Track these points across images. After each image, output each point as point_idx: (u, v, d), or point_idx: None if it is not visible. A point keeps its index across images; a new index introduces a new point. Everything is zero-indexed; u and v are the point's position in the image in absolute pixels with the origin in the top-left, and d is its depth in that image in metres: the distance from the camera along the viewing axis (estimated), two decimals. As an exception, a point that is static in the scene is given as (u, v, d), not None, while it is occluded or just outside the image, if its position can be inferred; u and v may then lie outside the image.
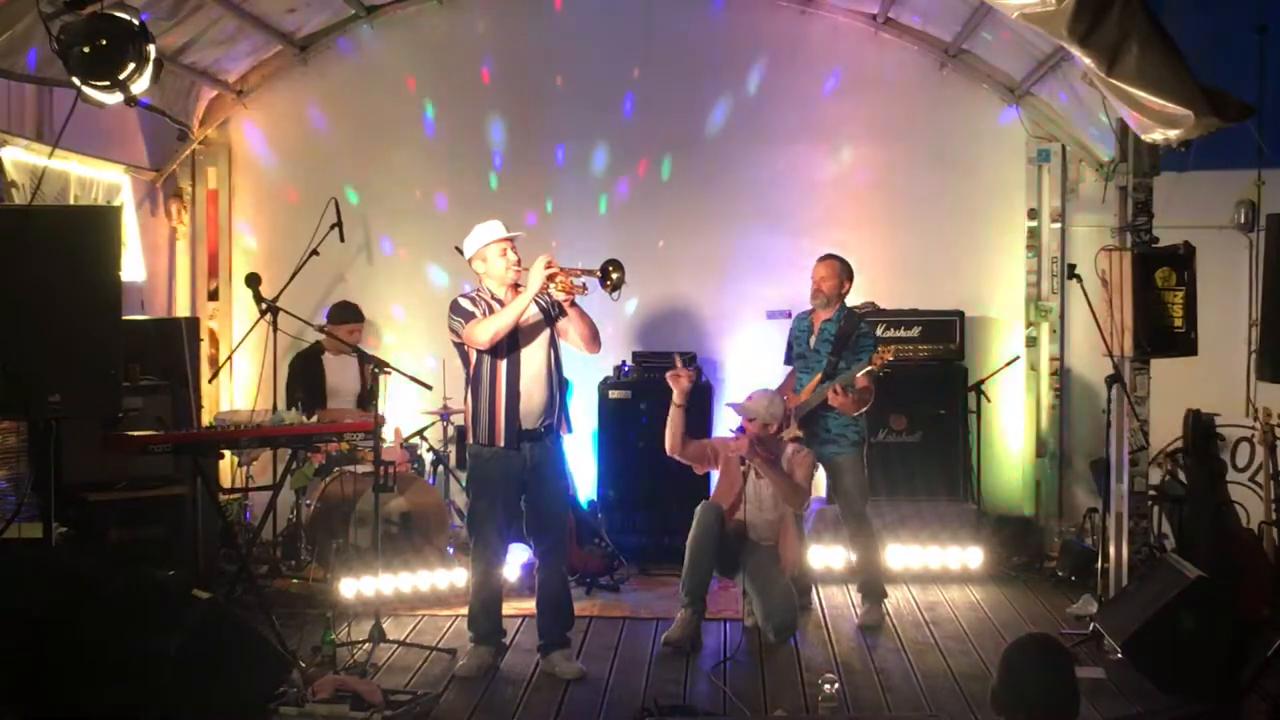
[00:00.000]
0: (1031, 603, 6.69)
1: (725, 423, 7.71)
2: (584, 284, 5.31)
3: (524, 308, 5.29)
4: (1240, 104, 4.96)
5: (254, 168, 8.17)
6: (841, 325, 6.33)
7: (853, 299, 7.13)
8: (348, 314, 7.37)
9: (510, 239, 5.45)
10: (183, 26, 6.70)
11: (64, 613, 4.10)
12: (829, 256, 6.43)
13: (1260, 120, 5.37)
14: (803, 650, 5.85)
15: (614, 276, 5.28)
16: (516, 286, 5.42)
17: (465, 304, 5.41)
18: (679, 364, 6.00)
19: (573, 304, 5.36)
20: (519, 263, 5.43)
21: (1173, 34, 4.83)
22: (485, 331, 5.28)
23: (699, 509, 5.98)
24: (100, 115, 6.06)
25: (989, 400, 7.50)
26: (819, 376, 6.29)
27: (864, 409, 6.21)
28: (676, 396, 5.93)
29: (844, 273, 6.40)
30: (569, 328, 5.49)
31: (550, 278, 5.22)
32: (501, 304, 5.40)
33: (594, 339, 5.50)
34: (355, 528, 6.51)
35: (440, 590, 6.55)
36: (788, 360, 6.65)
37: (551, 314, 5.49)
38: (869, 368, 6.09)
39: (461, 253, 5.63)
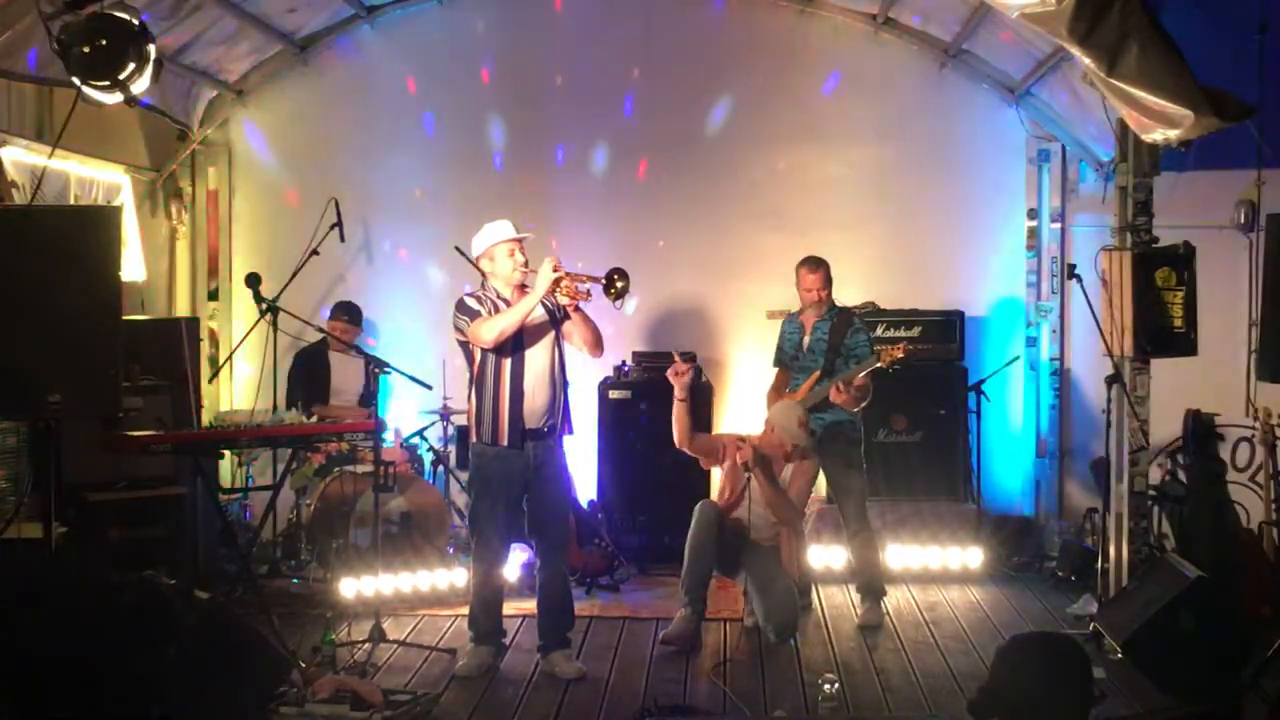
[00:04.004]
0: (1031, 603, 6.69)
1: (727, 423, 7.72)
2: (588, 290, 5.31)
3: (530, 309, 5.29)
4: (1240, 104, 4.96)
5: (254, 168, 8.17)
6: (834, 324, 6.33)
7: (853, 299, 7.15)
8: (337, 311, 7.43)
9: (519, 240, 5.46)
10: (183, 26, 6.69)
11: (70, 618, 4.09)
12: (816, 263, 6.39)
13: (1260, 120, 5.36)
14: (803, 650, 5.85)
15: (618, 285, 5.27)
16: (522, 287, 5.42)
17: (471, 302, 5.41)
18: (678, 359, 5.98)
19: (576, 308, 5.36)
20: (526, 264, 5.43)
21: (1173, 34, 4.83)
22: (491, 330, 5.28)
23: (697, 508, 5.98)
24: (100, 115, 6.06)
25: (989, 400, 7.49)
26: (816, 375, 6.29)
27: (864, 404, 6.23)
28: (678, 391, 5.91)
29: (830, 273, 6.40)
30: (573, 331, 5.49)
31: (556, 282, 5.22)
32: (507, 304, 5.40)
33: (597, 344, 5.51)
34: (355, 528, 6.51)
35: (440, 590, 6.55)
36: (776, 363, 6.65)
37: (557, 315, 5.49)
38: (878, 365, 6.09)
39: (462, 252, 5.63)
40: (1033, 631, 3.18)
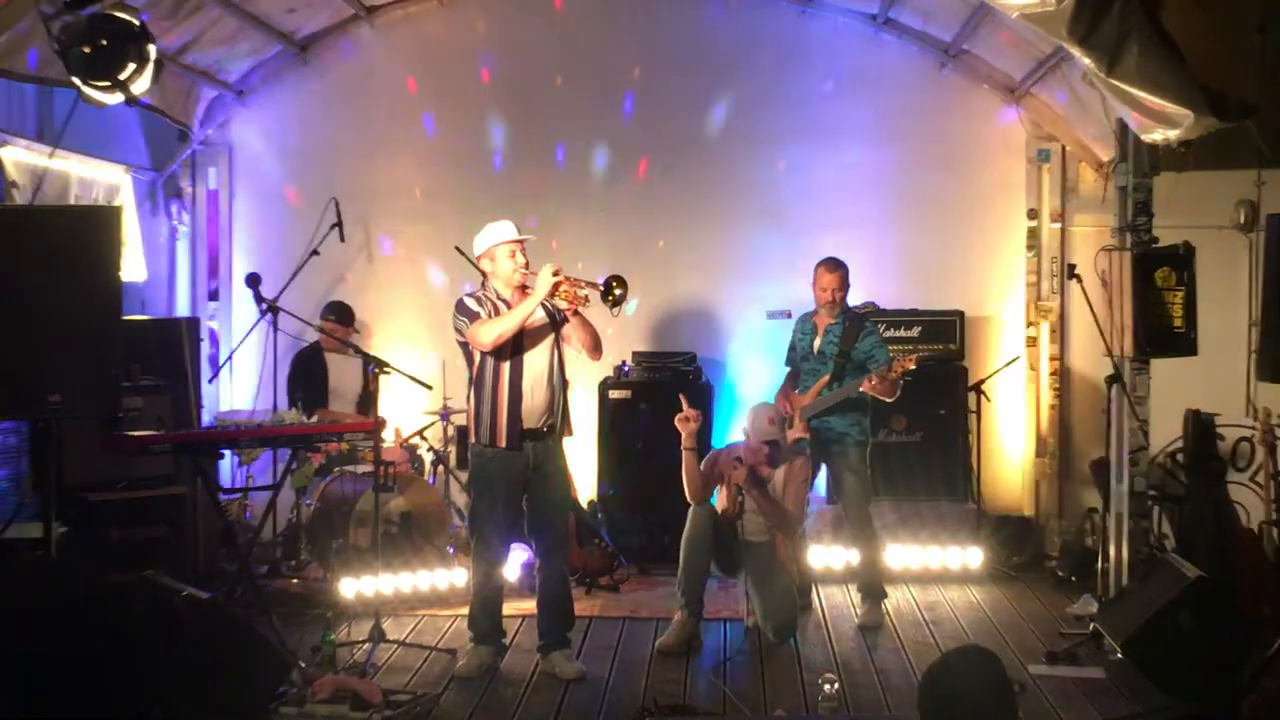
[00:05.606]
0: (1031, 603, 6.68)
1: (726, 423, 7.72)
2: (586, 296, 5.33)
3: (529, 313, 5.30)
4: (1240, 104, 4.96)
5: (254, 168, 8.17)
6: (846, 328, 6.33)
7: (853, 299, 7.15)
8: (326, 311, 7.45)
9: (520, 241, 5.46)
10: (183, 26, 6.70)
11: (73, 619, 4.10)
12: (836, 264, 6.39)
13: (1260, 120, 5.35)
14: (803, 650, 5.85)
15: (616, 293, 5.29)
16: (523, 288, 5.43)
17: (470, 303, 5.41)
18: (685, 405, 5.92)
19: (575, 313, 5.37)
20: (527, 265, 5.44)
21: (1173, 34, 4.83)
22: (490, 333, 5.29)
23: (691, 511, 5.98)
24: (100, 115, 6.06)
25: (989, 400, 7.49)
26: (826, 378, 6.28)
27: (897, 393, 6.19)
28: (686, 440, 5.87)
29: (848, 276, 6.41)
30: (572, 334, 5.49)
31: (555, 286, 5.23)
32: (507, 304, 5.41)
33: (596, 347, 5.51)
34: (355, 528, 6.51)
35: (440, 590, 6.55)
36: (789, 362, 6.65)
37: (556, 318, 5.49)
38: (891, 375, 6.07)
39: (462, 252, 5.63)
40: (941, 657, 3.20)
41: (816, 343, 6.41)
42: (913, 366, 6.08)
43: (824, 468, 6.46)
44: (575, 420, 5.73)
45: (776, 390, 6.66)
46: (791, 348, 6.63)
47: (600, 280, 5.33)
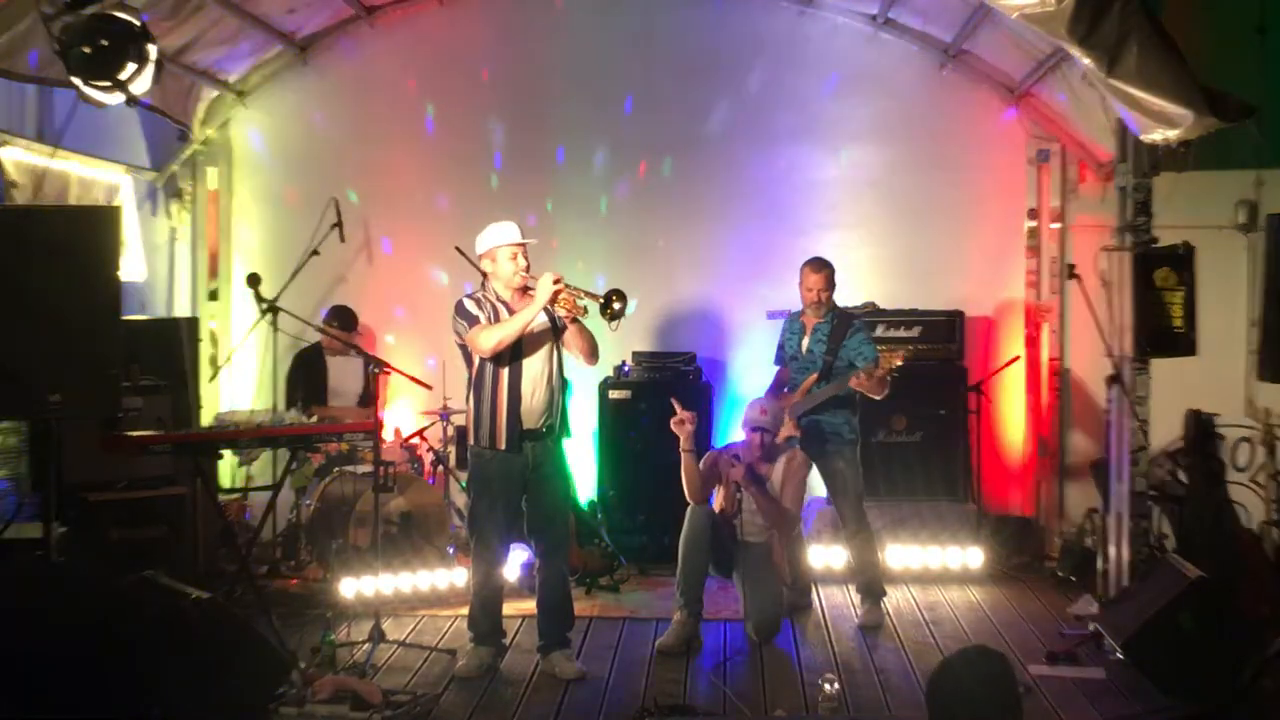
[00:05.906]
0: (1031, 603, 6.68)
1: (726, 424, 7.72)
2: (585, 307, 5.33)
3: (529, 321, 5.29)
4: (1240, 104, 4.97)
5: (254, 168, 8.17)
6: (834, 326, 6.34)
7: (853, 299, 7.16)
8: (330, 316, 7.46)
9: (523, 245, 5.46)
10: (183, 26, 6.70)
11: (77, 619, 4.10)
12: (821, 264, 6.38)
13: (1260, 120, 5.36)
14: (803, 650, 5.85)
15: (615, 306, 5.28)
16: (524, 290, 5.43)
17: (470, 306, 5.41)
18: (679, 408, 5.90)
19: (574, 320, 5.37)
20: (528, 269, 5.43)
21: (1173, 34, 4.83)
22: (489, 340, 5.29)
23: (689, 511, 5.98)
24: (100, 115, 6.06)
25: (989, 400, 7.49)
26: (814, 377, 6.29)
27: (885, 391, 6.16)
28: (684, 442, 5.88)
29: (834, 276, 6.40)
30: (570, 340, 5.50)
31: (555, 294, 5.23)
32: (506, 305, 5.41)
33: (593, 353, 5.52)
34: (355, 528, 6.51)
35: (440, 590, 6.55)
36: (778, 361, 6.66)
37: (557, 321, 5.49)
38: (878, 373, 6.07)
39: (462, 253, 5.63)
40: (946, 657, 3.21)
41: (805, 342, 6.41)
42: (899, 364, 6.07)
43: (815, 467, 6.45)
44: (575, 420, 5.71)
45: (766, 391, 6.66)
46: (780, 347, 6.63)
47: (600, 292, 5.33)
